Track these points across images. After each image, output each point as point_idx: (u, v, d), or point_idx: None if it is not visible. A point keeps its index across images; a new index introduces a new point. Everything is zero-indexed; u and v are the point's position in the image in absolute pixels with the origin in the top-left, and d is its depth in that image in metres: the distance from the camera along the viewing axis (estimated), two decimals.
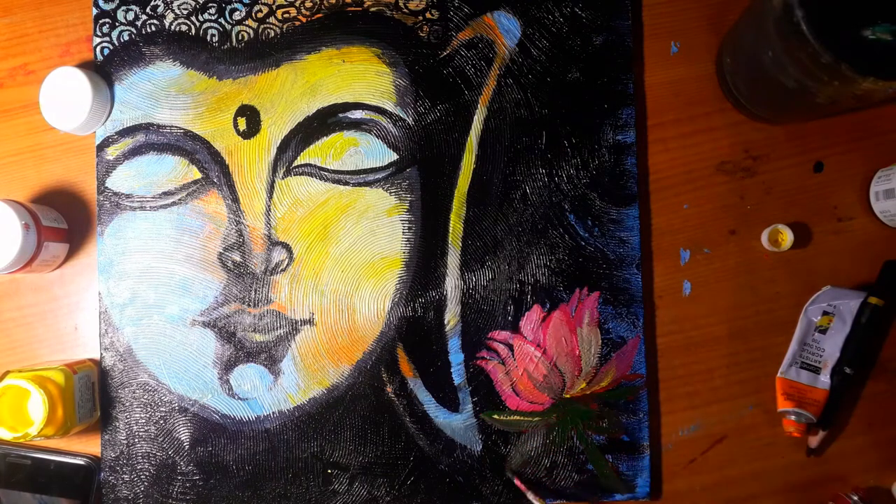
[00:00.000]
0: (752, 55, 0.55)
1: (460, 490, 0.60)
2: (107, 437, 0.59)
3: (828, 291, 0.60)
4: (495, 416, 0.60)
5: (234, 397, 0.60)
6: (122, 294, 0.60)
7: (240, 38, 0.60)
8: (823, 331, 0.60)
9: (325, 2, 0.61)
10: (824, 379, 0.60)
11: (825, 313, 0.60)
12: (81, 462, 0.59)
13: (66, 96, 0.57)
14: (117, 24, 0.61)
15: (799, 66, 0.49)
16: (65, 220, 0.61)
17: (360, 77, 0.60)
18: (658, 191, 0.62)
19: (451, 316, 0.60)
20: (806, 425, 0.59)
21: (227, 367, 0.59)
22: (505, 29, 0.61)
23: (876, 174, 0.61)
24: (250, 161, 0.60)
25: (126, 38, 0.61)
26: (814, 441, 0.60)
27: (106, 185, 0.60)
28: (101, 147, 0.60)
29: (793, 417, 0.59)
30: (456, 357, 0.60)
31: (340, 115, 0.60)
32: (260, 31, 0.60)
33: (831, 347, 0.60)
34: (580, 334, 0.60)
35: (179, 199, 0.60)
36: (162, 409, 0.60)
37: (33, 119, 0.61)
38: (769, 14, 0.50)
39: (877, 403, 0.61)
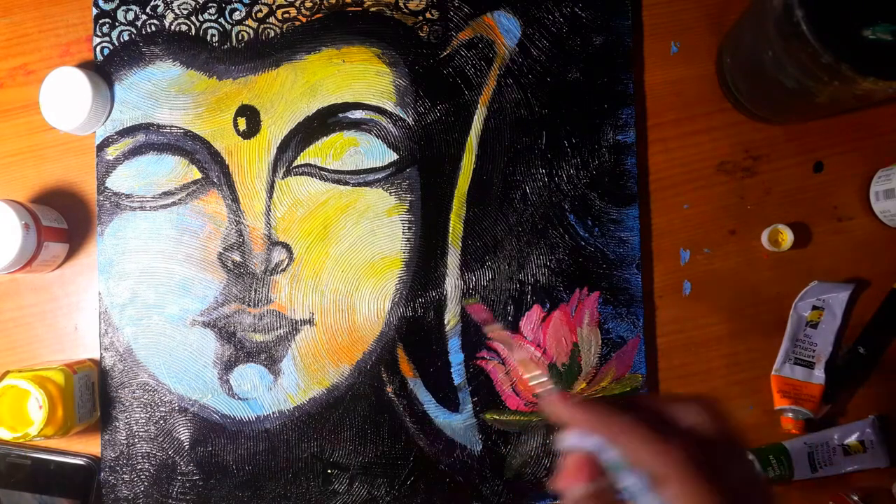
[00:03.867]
0: (752, 55, 0.55)
1: (460, 490, 0.60)
2: (107, 437, 0.59)
3: (815, 286, 0.60)
4: (495, 416, 0.60)
5: (234, 397, 0.60)
6: (122, 294, 0.60)
7: (240, 38, 0.60)
8: (814, 325, 0.60)
9: (325, 2, 0.61)
10: (818, 373, 0.60)
11: (814, 308, 0.60)
12: (81, 462, 0.59)
13: (66, 96, 0.57)
14: (117, 24, 0.61)
15: (799, 66, 0.49)
16: (65, 220, 0.61)
17: (360, 77, 0.60)
18: (658, 191, 0.62)
19: (451, 316, 0.60)
20: (804, 422, 0.59)
21: (227, 367, 0.59)
22: (505, 29, 0.61)
23: (876, 174, 0.61)
24: (250, 161, 0.60)
25: (126, 38, 0.61)
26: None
27: (106, 185, 0.60)
28: (101, 147, 0.60)
29: (790, 415, 0.59)
30: (456, 357, 0.60)
31: (340, 115, 0.60)
32: (260, 31, 0.60)
33: (823, 341, 0.60)
34: (580, 334, 0.60)
35: (179, 199, 0.60)
36: (162, 409, 0.59)
37: (33, 119, 0.61)
38: (769, 14, 0.50)
39: (876, 403, 0.61)
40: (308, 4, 0.61)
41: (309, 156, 0.60)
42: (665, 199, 0.62)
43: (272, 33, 0.60)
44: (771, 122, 0.61)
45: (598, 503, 0.32)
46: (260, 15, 0.60)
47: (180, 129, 0.60)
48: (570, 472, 0.33)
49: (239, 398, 0.60)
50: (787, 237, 0.60)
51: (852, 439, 0.59)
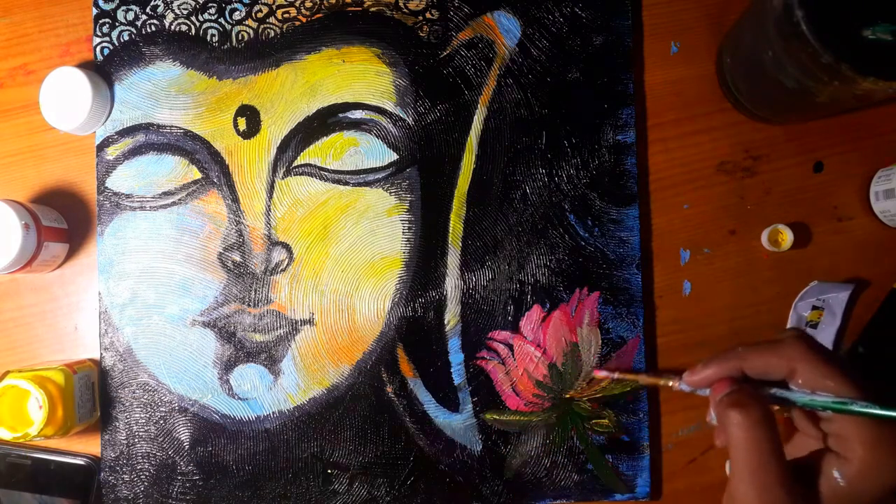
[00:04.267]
0: (752, 55, 0.55)
1: (460, 490, 0.60)
2: (107, 437, 0.59)
3: (815, 286, 0.60)
4: (495, 416, 0.60)
5: (234, 397, 0.60)
6: (122, 294, 0.60)
7: (240, 38, 0.60)
8: (814, 325, 0.60)
9: (325, 2, 0.61)
10: None
11: (814, 308, 0.60)
12: (81, 462, 0.59)
13: (66, 96, 0.57)
14: (117, 24, 0.61)
15: (799, 66, 0.49)
16: (65, 220, 0.61)
17: (360, 77, 0.60)
18: (658, 191, 0.62)
19: (451, 316, 0.60)
20: None
21: (227, 367, 0.59)
22: (505, 29, 0.61)
23: (876, 174, 0.61)
24: (250, 161, 0.60)
25: (126, 38, 0.61)
26: None
27: (106, 185, 0.60)
28: (101, 147, 0.60)
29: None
30: (456, 357, 0.60)
31: (340, 115, 0.60)
32: (260, 31, 0.60)
33: (823, 341, 0.60)
34: (580, 334, 0.60)
35: (179, 199, 0.60)
36: (162, 409, 0.60)
37: (33, 119, 0.61)
38: (769, 14, 0.50)
39: None
40: (308, 4, 0.61)
41: (309, 156, 0.60)
42: (665, 199, 0.62)
43: (272, 33, 0.60)
44: (771, 122, 0.61)
45: (742, 393, 0.39)
46: (260, 15, 0.61)
47: (180, 129, 0.60)
48: (716, 387, 0.40)
49: (239, 398, 0.60)
50: (787, 237, 0.60)
51: None
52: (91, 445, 0.60)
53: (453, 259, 0.60)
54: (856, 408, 0.36)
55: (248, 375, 0.59)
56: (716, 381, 0.41)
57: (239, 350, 0.59)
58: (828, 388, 0.37)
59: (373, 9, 0.61)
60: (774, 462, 0.36)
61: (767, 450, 0.36)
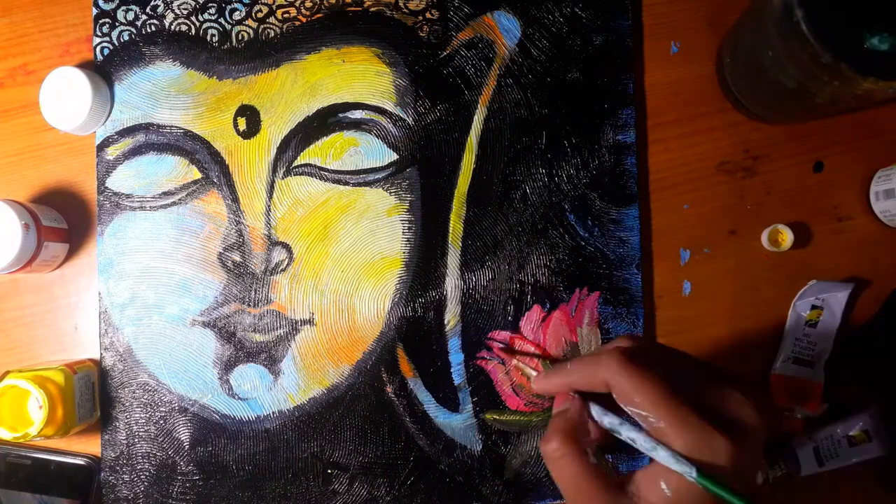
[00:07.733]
0: (752, 55, 0.55)
1: (460, 490, 0.60)
2: (107, 437, 0.59)
3: (814, 285, 0.60)
4: (495, 416, 0.60)
5: (234, 397, 0.60)
6: (122, 294, 0.60)
7: (240, 38, 0.60)
8: (814, 325, 0.60)
9: (325, 2, 0.61)
10: (818, 372, 0.60)
11: (814, 307, 0.60)
12: (81, 462, 0.59)
13: (66, 96, 0.57)
14: (117, 24, 0.61)
15: (799, 66, 0.49)
16: (65, 220, 0.61)
17: (360, 77, 0.60)
18: (658, 191, 0.62)
19: (451, 316, 0.60)
20: (804, 420, 0.59)
21: (227, 367, 0.59)
22: (505, 29, 0.61)
23: (876, 174, 0.61)
24: (250, 161, 0.60)
25: (126, 38, 0.61)
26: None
27: (106, 185, 0.60)
28: (101, 147, 0.60)
29: (790, 413, 0.59)
30: (456, 357, 0.60)
31: (340, 115, 0.60)
32: (260, 31, 0.60)
33: (823, 340, 0.60)
34: (580, 334, 0.60)
35: (179, 199, 0.60)
36: (162, 409, 0.60)
37: (33, 119, 0.61)
38: (769, 14, 0.50)
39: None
40: (308, 4, 0.61)
41: (309, 156, 0.60)
42: (665, 199, 0.62)
43: (272, 33, 0.60)
44: (771, 122, 0.61)
45: (552, 428, 0.40)
46: (260, 15, 0.61)
47: (180, 129, 0.60)
48: (556, 401, 0.42)
49: (239, 398, 0.60)
50: (787, 237, 0.60)
51: (856, 430, 0.59)
52: (91, 445, 0.60)
53: (453, 259, 0.60)
54: (660, 457, 0.36)
55: (248, 375, 0.59)
56: (556, 392, 0.41)
57: (239, 350, 0.59)
58: (635, 404, 0.37)
59: (373, 9, 0.61)
60: (588, 487, 0.37)
61: (577, 475, 0.38)
